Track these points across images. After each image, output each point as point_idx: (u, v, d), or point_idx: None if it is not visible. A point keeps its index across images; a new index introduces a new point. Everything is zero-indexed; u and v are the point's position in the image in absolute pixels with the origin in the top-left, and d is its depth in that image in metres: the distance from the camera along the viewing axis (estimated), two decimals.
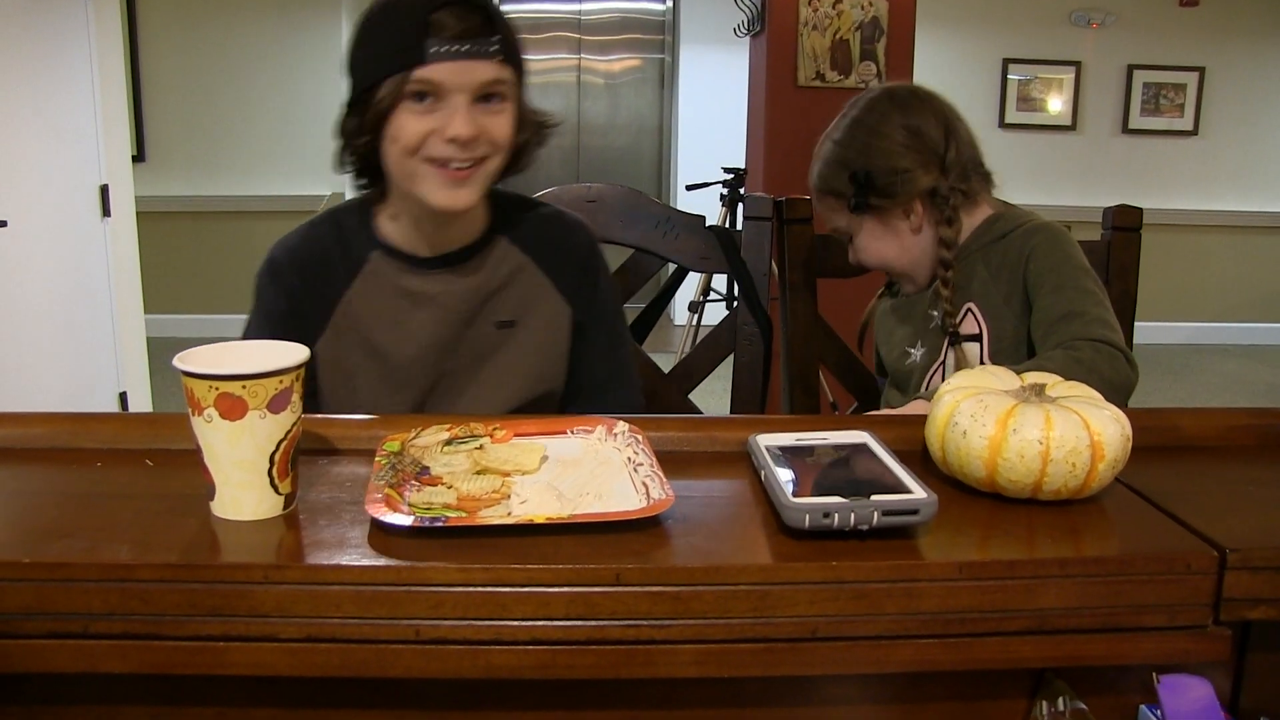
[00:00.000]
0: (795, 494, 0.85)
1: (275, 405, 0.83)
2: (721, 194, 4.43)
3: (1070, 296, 1.35)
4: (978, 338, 1.45)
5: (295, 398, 0.85)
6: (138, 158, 5.85)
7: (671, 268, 1.83)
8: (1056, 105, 6.95)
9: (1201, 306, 7.11)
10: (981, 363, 1.43)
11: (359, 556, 0.79)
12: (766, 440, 1.01)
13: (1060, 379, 1.02)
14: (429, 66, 1.25)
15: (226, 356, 0.87)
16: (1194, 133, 7.06)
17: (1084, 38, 6.88)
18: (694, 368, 1.80)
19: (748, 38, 4.50)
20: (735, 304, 1.77)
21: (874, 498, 0.85)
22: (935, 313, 1.49)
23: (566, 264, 1.48)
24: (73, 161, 3.88)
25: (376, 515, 0.81)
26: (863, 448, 1.00)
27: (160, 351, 4.86)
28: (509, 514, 0.85)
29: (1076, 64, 6.87)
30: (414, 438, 1.00)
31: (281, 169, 6.23)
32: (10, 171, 3.40)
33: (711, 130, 6.89)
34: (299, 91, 6.21)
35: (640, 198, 1.79)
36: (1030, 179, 6.85)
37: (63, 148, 3.83)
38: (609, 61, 7.39)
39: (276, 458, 0.84)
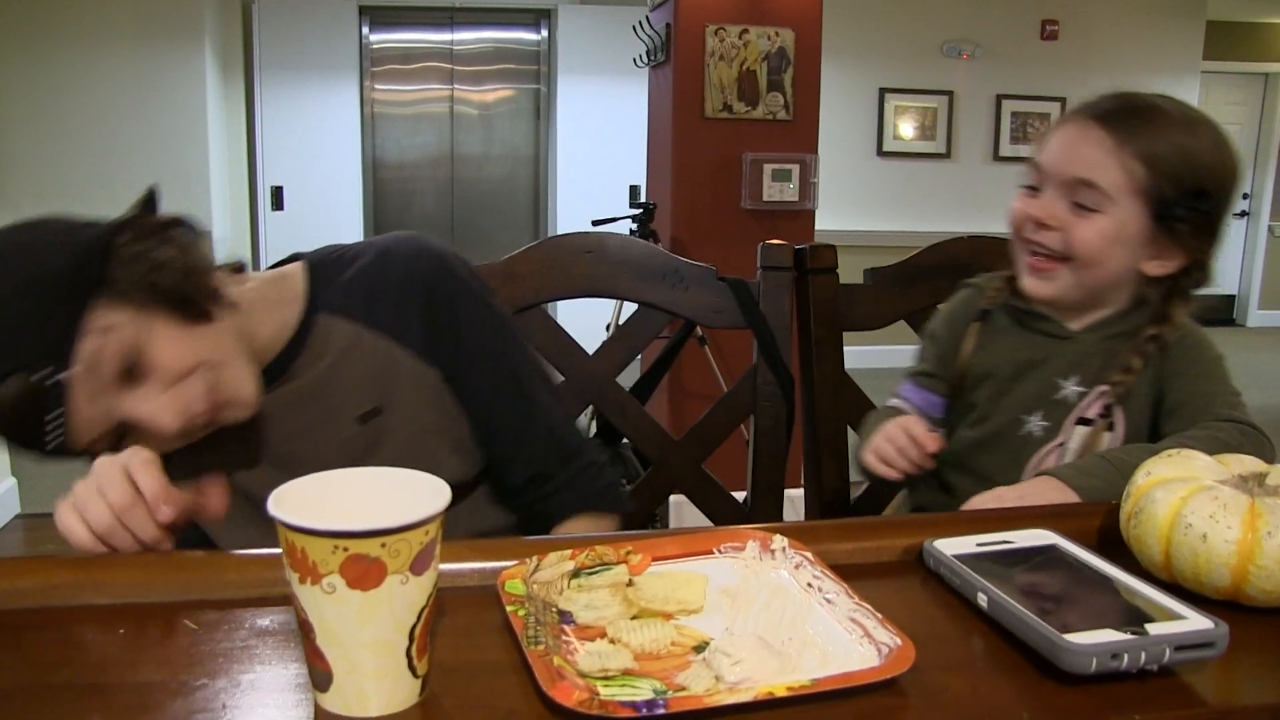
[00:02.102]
0: (1057, 628, 0.69)
1: (419, 565, 0.62)
2: (631, 229, 4.26)
3: (1209, 385, 1.24)
4: (1091, 423, 1.28)
5: (438, 550, 0.64)
6: None
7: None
8: (931, 133, 7.05)
9: None
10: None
11: None
12: (949, 548, 0.85)
13: (1266, 464, 0.88)
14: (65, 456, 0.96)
15: (335, 495, 0.66)
16: None
17: (955, 68, 7.02)
18: (708, 433, 1.62)
19: (647, 68, 4.37)
20: (754, 363, 1.60)
21: (1154, 630, 0.69)
22: (1065, 383, 1.30)
23: (403, 313, 1.15)
24: None
25: (569, 704, 0.61)
26: (1057, 551, 0.85)
27: None
28: (716, 678, 0.66)
29: (949, 93, 7.00)
30: (534, 571, 0.80)
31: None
32: None
33: (592, 162, 6.76)
34: (161, 124, 5.78)
35: (646, 248, 1.60)
36: (907, 205, 6.95)
37: None
38: (483, 92, 7.18)
39: (417, 632, 0.63)
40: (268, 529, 0.63)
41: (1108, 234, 1.22)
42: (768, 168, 4.11)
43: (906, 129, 7.07)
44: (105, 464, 0.86)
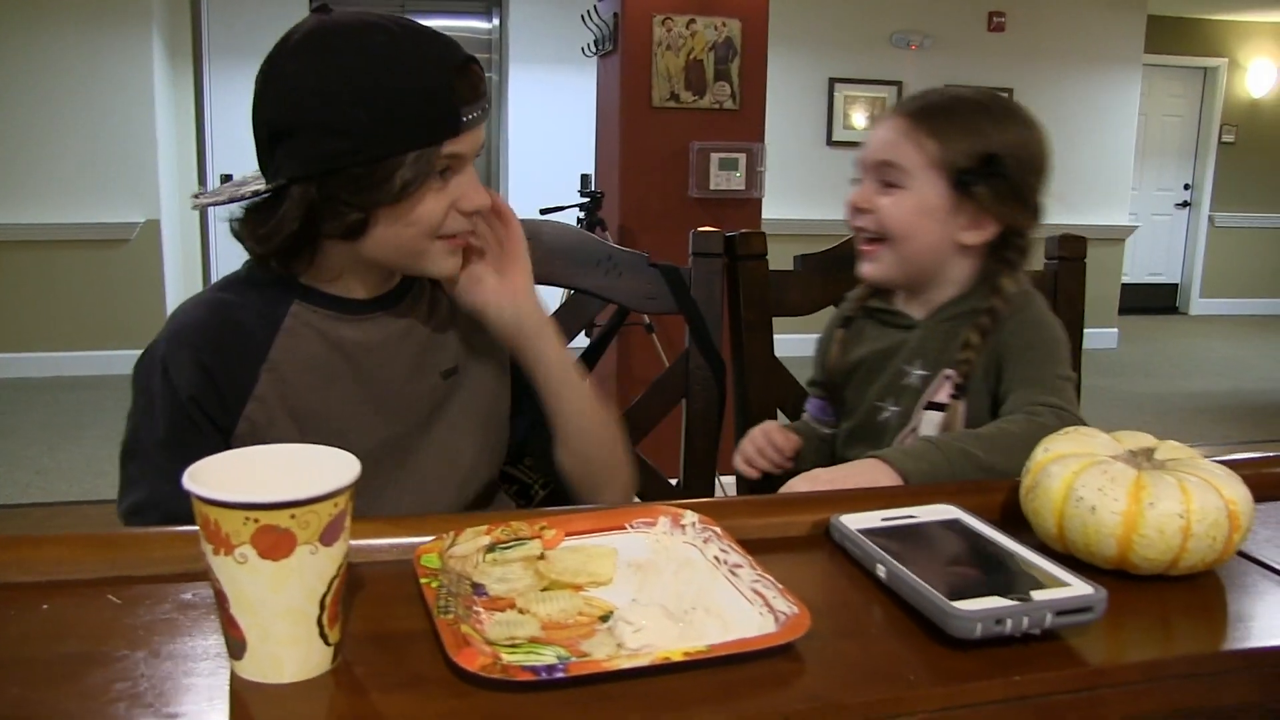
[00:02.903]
0: (947, 595, 0.73)
1: (329, 536, 0.64)
2: (579, 217, 4.28)
3: (1038, 369, 1.29)
4: (943, 408, 1.33)
5: (348, 522, 0.67)
6: None
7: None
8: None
9: None
10: None
11: None
12: (855, 523, 0.88)
13: (1156, 439, 0.93)
14: (461, 137, 1.08)
15: (251, 472, 0.68)
16: None
17: (904, 59, 7.10)
18: (641, 418, 1.65)
19: (595, 57, 4.39)
20: (687, 347, 1.63)
21: (1038, 596, 0.73)
22: (911, 369, 1.36)
23: None
24: None
25: (472, 668, 0.64)
26: (958, 525, 0.89)
27: None
28: (618, 645, 0.69)
29: (898, 84, 7.06)
30: (450, 546, 0.82)
31: (90, 194, 5.70)
32: None
33: (544, 150, 6.76)
34: (107, 110, 5.71)
35: (580, 235, 1.63)
36: None
37: None
38: None
39: (328, 601, 0.66)
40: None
41: (912, 207, 1.32)
42: (715, 156, 4.15)
43: (858, 118, 7.13)
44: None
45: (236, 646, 0.65)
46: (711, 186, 4.15)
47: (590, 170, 4.69)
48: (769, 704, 0.65)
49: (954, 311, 1.36)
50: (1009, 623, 0.71)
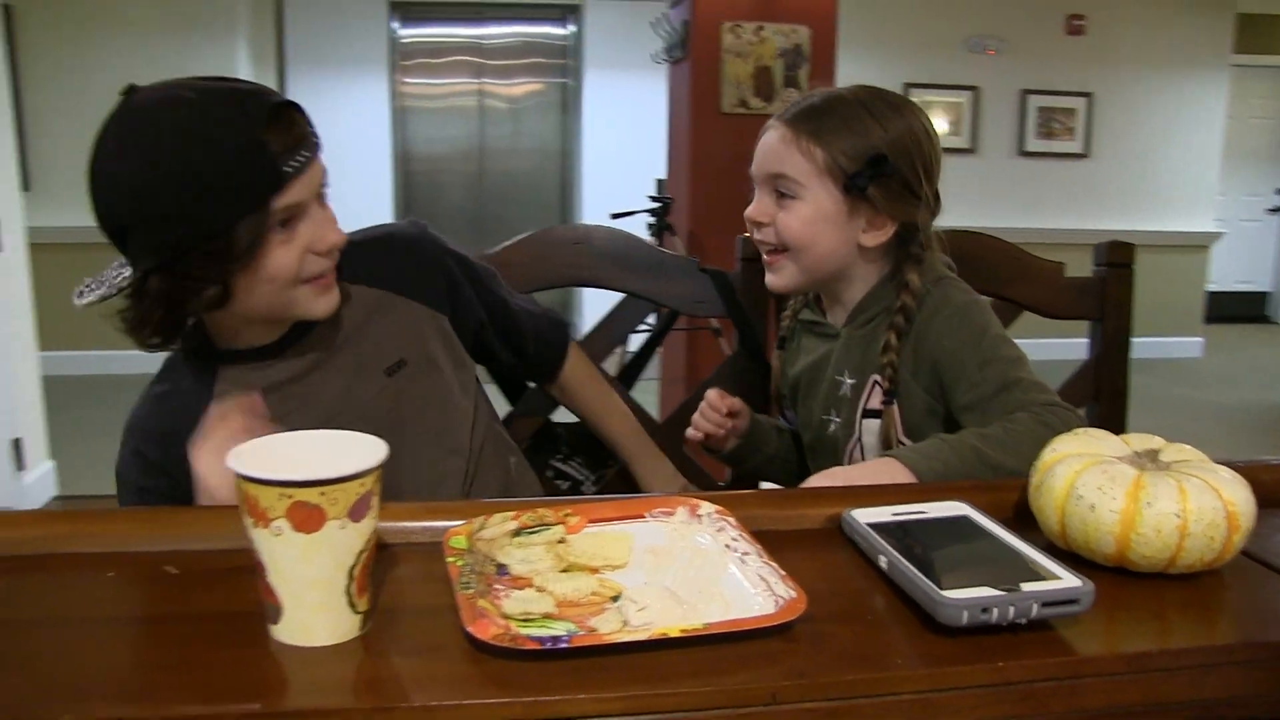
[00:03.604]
0: (939, 585, 0.77)
1: (356, 512, 0.71)
2: (649, 223, 4.34)
3: (1001, 369, 1.27)
4: (879, 414, 1.34)
5: (375, 500, 0.73)
6: (23, 187, 5.52)
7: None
8: (956, 129, 7.07)
9: None
10: (897, 440, 1.34)
11: (474, 689, 0.67)
12: (865, 516, 0.92)
13: (1164, 441, 0.95)
14: (288, 189, 1.10)
15: (289, 454, 0.74)
16: (1085, 155, 7.27)
17: (980, 64, 7.03)
18: (688, 418, 1.70)
19: (666, 64, 4.45)
20: (734, 350, 1.68)
21: (1026, 587, 0.77)
22: (843, 379, 1.38)
23: (415, 273, 1.35)
24: None
25: (484, 638, 0.70)
26: (966, 521, 0.92)
27: (57, 391, 4.59)
28: (624, 623, 0.75)
29: (974, 88, 7.01)
30: (479, 529, 0.88)
31: None
32: None
33: (618, 156, 6.83)
34: None
35: (631, 239, 1.69)
36: None
37: None
38: (511, 86, 7.28)
39: (356, 572, 0.72)
40: None
41: (808, 216, 1.32)
42: None
43: (935, 124, 7.09)
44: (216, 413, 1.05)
45: (273, 612, 0.72)
46: None
47: (664, 176, 4.75)
48: (757, 679, 0.69)
49: (869, 315, 1.37)
50: (995, 611, 0.75)
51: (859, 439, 1.36)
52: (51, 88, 5.78)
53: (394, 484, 1.28)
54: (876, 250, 1.35)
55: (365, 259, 1.31)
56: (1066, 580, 0.78)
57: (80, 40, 5.79)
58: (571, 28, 7.22)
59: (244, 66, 6.11)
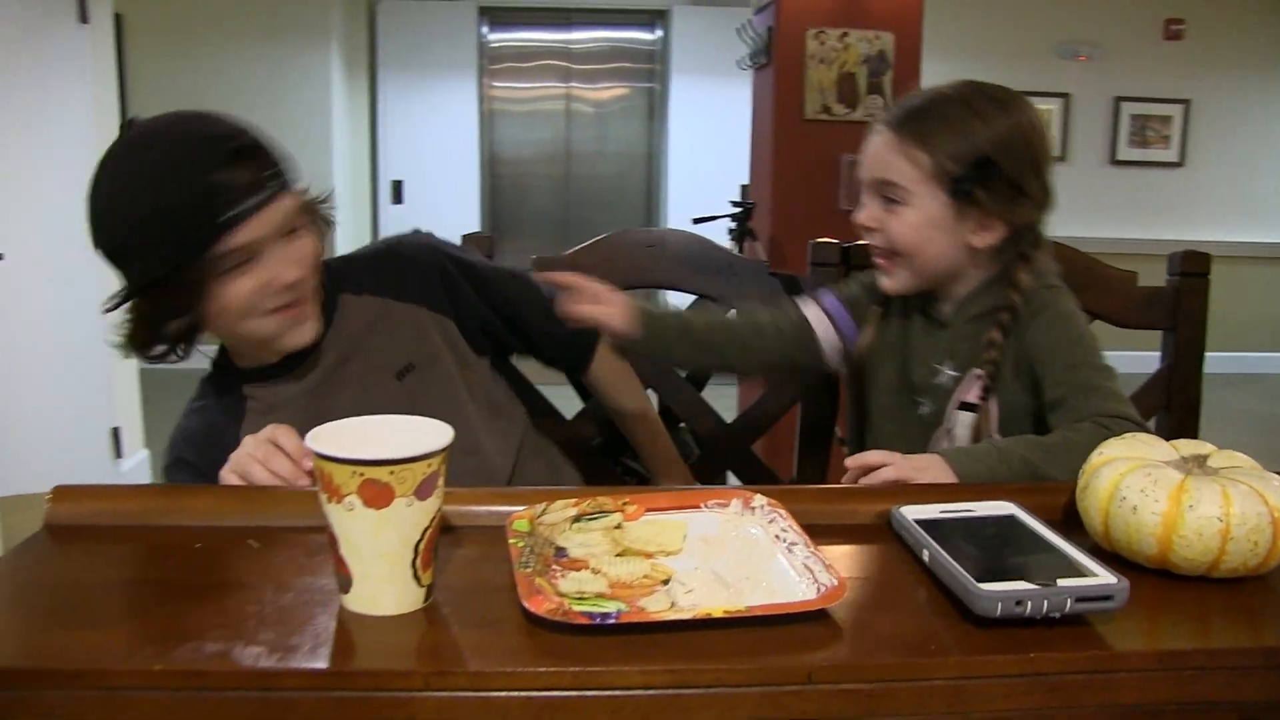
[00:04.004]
0: (977, 578, 0.80)
1: (423, 491, 0.76)
2: (730, 228, 4.38)
3: (1087, 374, 1.29)
4: (975, 408, 1.35)
5: (441, 481, 0.78)
6: None
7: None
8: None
9: None
10: (989, 435, 1.35)
11: (526, 659, 0.72)
12: (913, 513, 0.95)
13: (1215, 448, 0.97)
14: (239, 230, 1.15)
15: (363, 435, 0.80)
16: (1180, 164, 7.10)
17: (1071, 70, 6.92)
18: (758, 419, 1.74)
19: (751, 70, 4.47)
20: None
21: (1061, 583, 0.79)
22: (942, 368, 1.39)
23: (417, 279, 1.40)
24: (67, 193, 3.78)
25: (539, 612, 0.74)
26: (1013, 520, 0.95)
27: (153, 385, 4.77)
28: (671, 604, 0.79)
29: (1065, 95, 6.90)
30: (542, 514, 0.93)
31: None
32: (6, 204, 3.31)
33: (703, 161, 6.86)
34: (288, 121, 6.11)
35: (704, 243, 1.73)
36: None
37: (57, 179, 3.74)
38: (598, 90, 7.36)
39: (421, 548, 0.77)
40: None
41: (917, 224, 1.32)
42: None
43: None
44: (252, 439, 1.09)
45: (344, 582, 0.78)
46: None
47: (747, 182, 4.77)
48: (795, 660, 0.73)
49: (977, 310, 1.37)
50: (1029, 604, 0.77)
51: (950, 429, 1.38)
52: (155, 93, 5.99)
53: None
54: (987, 249, 1.35)
55: (369, 272, 1.39)
56: (1102, 577, 0.80)
57: (183, 48, 6.01)
58: (659, 33, 7.28)
59: (337, 72, 6.28)
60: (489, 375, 1.45)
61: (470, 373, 1.42)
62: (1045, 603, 0.78)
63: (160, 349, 1.23)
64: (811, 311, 1.50)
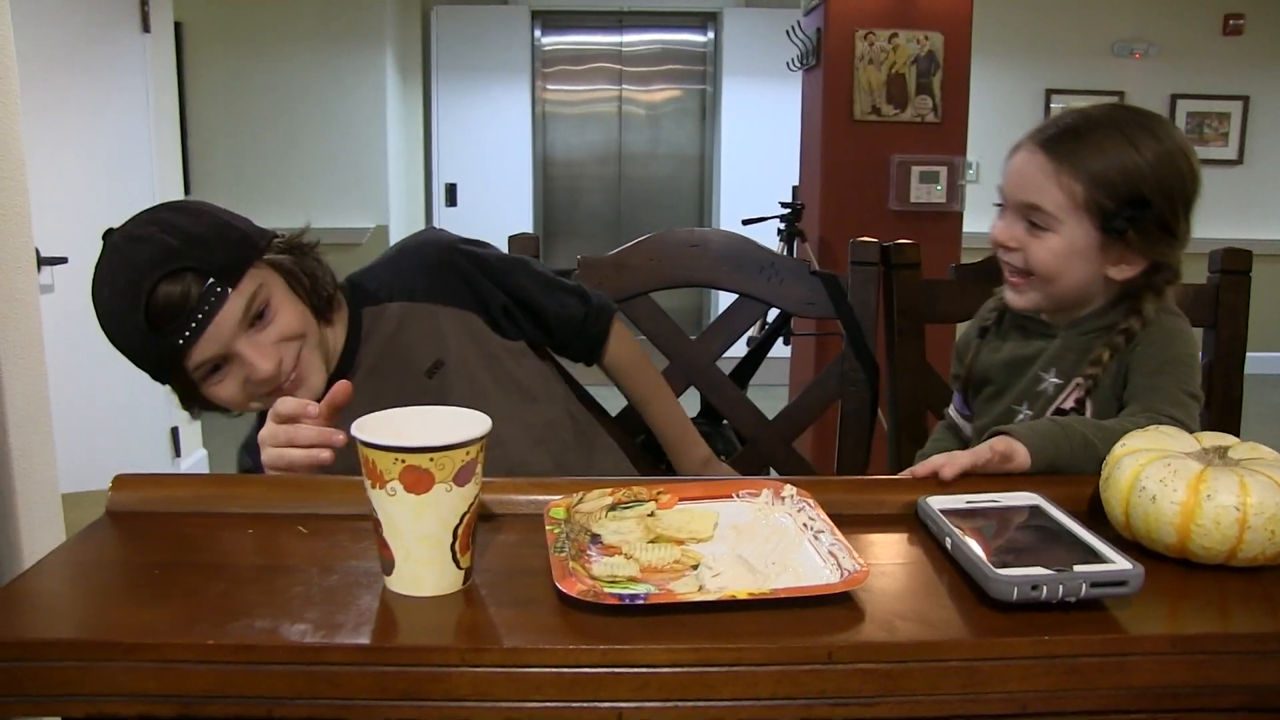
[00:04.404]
0: (996, 564, 0.82)
1: (461, 477, 0.80)
2: (779, 229, 4.39)
3: (1167, 380, 1.29)
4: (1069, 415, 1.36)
5: (479, 469, 0.82)
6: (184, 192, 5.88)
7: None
8: None
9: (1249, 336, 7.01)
10: None
11: (558, 637, 0.76)
12: (939, 503, 0.98)
13: (1238, 440, 0.98)
14: (193, 350, 1.22)
15: (406, 425, 0.84)
16: (1239, 161, 7.00)
17: (1126, 68, 6.85)
18: (798, 416, 1.77)
19: (800, 71, 4.49)
20: (842, 351, 1.74)
21: (1078, 569, 0.81)
22: (1047, 375, 1.40)
23: (440, 280, 1.45)
24: (127, 197, 3.90)
25: (571, 593, 0.78)
26: (1037, 510, 0.97)
27: None
28: (699, 587, 0.82)
29: (1119, 94, 6.82)
30: (578, 503, 0.97)
31: (327, 202, 6.23)
32: (70, 208, 3.41)
33: (755, 162, 6.87)
34: (344, 125, 6.22)
35: (746, 243, 1.76)
36: None
37: (117, 183, 3.85)
38: (650, 92, 7.40)
39: (460, 531, 0.82)
40: None
41: (1060, 251, 1.32)
42: (915, 170, 4.18)
43: None
44: (265, 431, 1.15)
45: (387, 565, 0.82)
46: (911, 200, 4.18)
47: (797, 183, 4.79)
48: (816, 640, 0.76)
49: (1096, 325, 1.37)
50: (1045, 589, 0.80)
51: None
52: (213, 99, 6.13)
53: None
54: (1122, 280, 1.35)
55: (385, 278, 1.46)
56: (1118, 563, 0.82)
57: (240, 55, 6.13)
58: (710, 35, 7.31)
59: (392, 77, 6.37)
60: (522, 359, 1.49)
61: (496, 363, 1.46)
62: (1061, 587, 0.80)
63: (211, 410, 1.33)
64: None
